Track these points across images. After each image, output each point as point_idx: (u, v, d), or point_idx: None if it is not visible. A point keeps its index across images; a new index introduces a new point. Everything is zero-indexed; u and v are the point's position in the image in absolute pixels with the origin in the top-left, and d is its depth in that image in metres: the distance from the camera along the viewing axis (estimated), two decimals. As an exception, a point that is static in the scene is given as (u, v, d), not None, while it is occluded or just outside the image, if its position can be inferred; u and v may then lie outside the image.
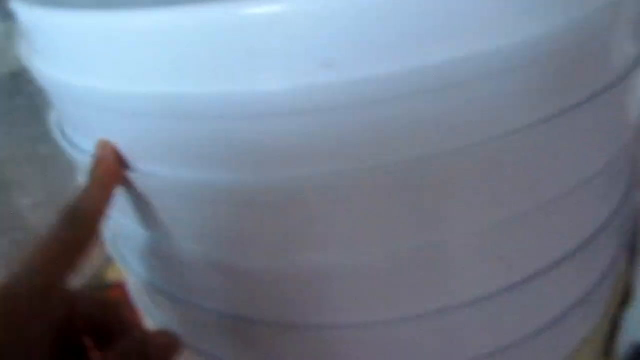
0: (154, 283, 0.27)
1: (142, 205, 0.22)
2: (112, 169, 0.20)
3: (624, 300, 0.34)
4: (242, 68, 0.17)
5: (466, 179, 0.19)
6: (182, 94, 0.18)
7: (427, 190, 0.19)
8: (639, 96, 0.24)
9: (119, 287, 0.46)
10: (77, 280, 0.47)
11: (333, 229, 0.20)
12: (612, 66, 0.21)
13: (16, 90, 0.42)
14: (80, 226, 0.20)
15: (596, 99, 0.20)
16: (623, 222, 0.27)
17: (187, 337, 0.24)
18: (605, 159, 0.23)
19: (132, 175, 0.21)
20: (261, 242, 0.21)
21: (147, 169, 0.21)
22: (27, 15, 0.22)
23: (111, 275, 0.49)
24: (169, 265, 0.25)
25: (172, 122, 0.19)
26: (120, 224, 0.25)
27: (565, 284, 0.25)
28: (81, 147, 0.24)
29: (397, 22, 0.16)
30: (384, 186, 0.19)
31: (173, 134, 0.19)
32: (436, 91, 0.17)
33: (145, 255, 0.26)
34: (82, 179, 0.24)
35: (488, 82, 0.17)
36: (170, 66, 0.17)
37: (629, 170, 0.27)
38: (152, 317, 0.30)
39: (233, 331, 0.25)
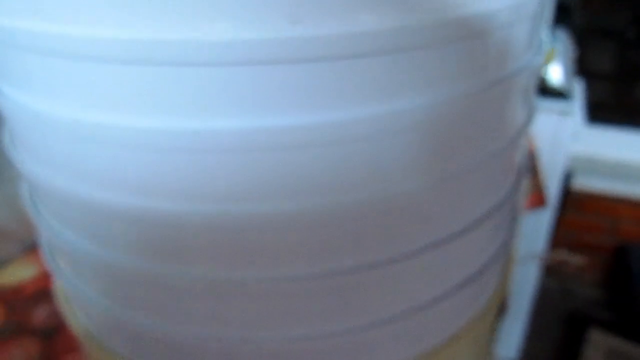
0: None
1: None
2: None
3: (501, 311, 0.36)
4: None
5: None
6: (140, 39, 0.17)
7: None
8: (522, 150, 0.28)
9: (10, 293, 0.43)
10: None
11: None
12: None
13: None
14: None
15: (488, 161, 0.23)
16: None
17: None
18: (490, 206, 0.26)
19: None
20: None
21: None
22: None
23: (3, 279, 0.45)
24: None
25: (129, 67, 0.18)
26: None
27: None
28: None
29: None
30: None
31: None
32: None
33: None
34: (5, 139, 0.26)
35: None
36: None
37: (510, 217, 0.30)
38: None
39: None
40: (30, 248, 0.48)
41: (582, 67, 1.13)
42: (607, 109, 1.22)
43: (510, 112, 0.25)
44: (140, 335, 0.25)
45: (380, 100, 0.19)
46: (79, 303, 0.28)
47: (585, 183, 1.00)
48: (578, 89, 0.95)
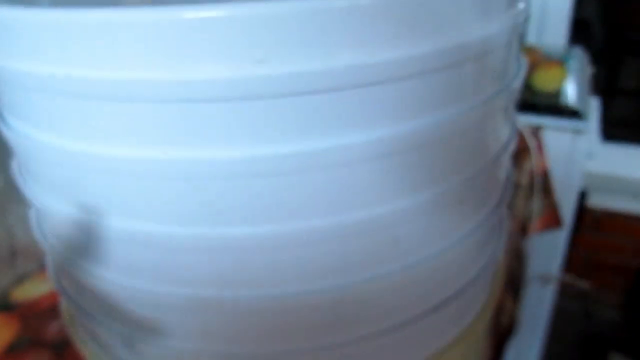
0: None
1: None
2: None
3: (510, 331, 0.37)
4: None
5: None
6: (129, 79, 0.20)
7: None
8: (501, 129, 0.28)
9: (26, 307, 0.46)
10: None
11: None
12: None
13: None
14: None
15: (466, 116, 0.24)
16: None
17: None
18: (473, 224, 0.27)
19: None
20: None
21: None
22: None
23: (17, 296, 0.48)
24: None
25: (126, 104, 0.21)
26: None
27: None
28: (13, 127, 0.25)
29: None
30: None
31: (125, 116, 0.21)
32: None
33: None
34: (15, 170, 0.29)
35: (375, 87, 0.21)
36: (117, 55, 0.20)
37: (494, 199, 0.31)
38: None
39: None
40: (44, 265, 0.51)
41: (605, 84, 1.13)
42: (631, 126, 1.22)
43: (494, 132, 0.27)
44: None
45: (367, 126, 0.21)
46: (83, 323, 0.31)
47: (601, 202, 1.00)
48: (594, 107, 0.96)
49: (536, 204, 0.73)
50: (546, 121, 0.81)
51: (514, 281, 0.44)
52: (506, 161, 0.30)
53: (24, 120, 0.24)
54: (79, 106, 0.21)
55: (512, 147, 0.29)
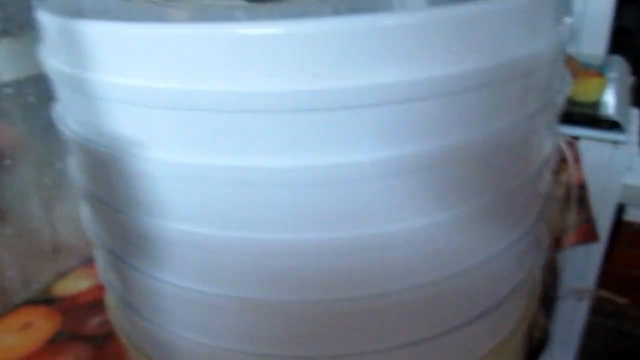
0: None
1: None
2: None
3: (542, 345, 0.38)
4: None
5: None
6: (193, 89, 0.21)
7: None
8: (544, 142, 0.29)
9: (67, 301, 0.48)
10: (25, 294, 0.48)
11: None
12: (522, 107, 0.25)
13: None
14: None
15: (508, 133, 0.25)
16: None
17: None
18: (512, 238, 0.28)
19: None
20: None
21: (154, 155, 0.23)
22: (52, 23, 0.25)
23: (59, 290, 0.50)
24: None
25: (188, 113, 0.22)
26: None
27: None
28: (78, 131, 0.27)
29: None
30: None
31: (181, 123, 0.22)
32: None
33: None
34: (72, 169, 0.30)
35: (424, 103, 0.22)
36: (183, 69, 0.21)
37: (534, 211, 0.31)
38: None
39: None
40: (87, 261, 0.53)
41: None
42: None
43: (536, 146, 0.27)
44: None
45: (414, 140, 0.22)
46: (128, 318, 0.32)
47: (639, 216, 0.98)
48: (634, 118, 0.95)
49: (571, 217, 0.73)
50: (584, 132, 0.80)
51: (546, 295, 0.44)
52: (547, 175, 0.30)
53: (90, 127, 0.25)
54: (144, 113, 0.23)
55: (554, 161, 0.30)
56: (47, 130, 0.48)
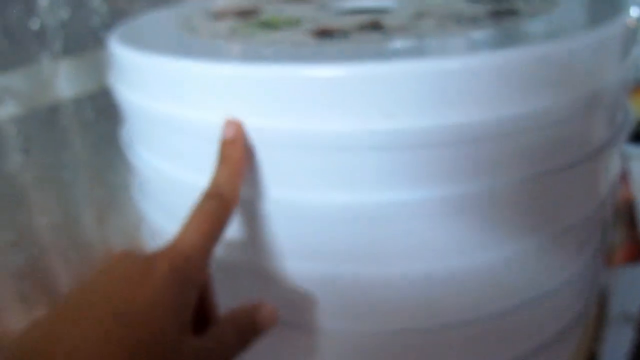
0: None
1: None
2: (243, 149, 0.22)
3: None
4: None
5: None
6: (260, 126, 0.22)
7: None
8: (610, 173, 0.28)
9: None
10: None
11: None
12: (588, 142, 0.25)
13: (53, 122, 0.46)
14: (222, 199, 0.22)
15: (574, 168, 0.25)
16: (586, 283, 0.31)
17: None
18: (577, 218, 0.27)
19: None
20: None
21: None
22: (126, 56, 0.26)
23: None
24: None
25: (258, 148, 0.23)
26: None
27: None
28: (146, 160, 0.28)
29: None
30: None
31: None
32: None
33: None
34: (134, 190, 0.32)
35: (494, 141, 0.22)
36: (251, 104, 0.22)
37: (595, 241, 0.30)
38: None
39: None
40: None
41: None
42: None
43: (603, 176, 0.27)
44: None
45: (488, 175, 0.22)
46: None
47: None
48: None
49: (619, 235, 0.71)
50: (634, 150, 0.79)
51: (595, 317, 0.43)
52: (611, 204, 0.30)
53: (156, 153, 0.26)
54: (209, 147, 0.24)
55: (618, 188, 0.30)
56: (102, 145, 0.50)
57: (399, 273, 0.24)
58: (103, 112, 0.49)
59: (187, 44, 0.27)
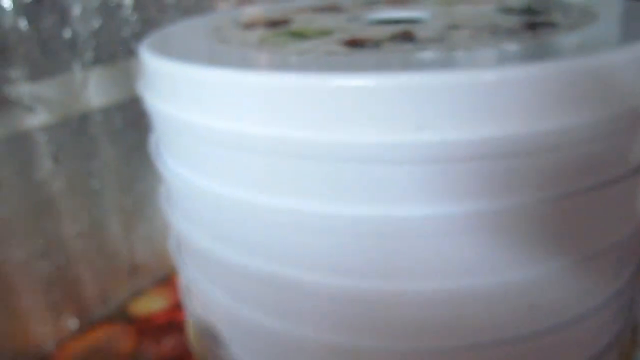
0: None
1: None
2: None
3: None
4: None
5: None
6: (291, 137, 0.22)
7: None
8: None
9: (143, 321, 0.50)
10: (102, 310, 0.50)
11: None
12: (627, 160, 0.24)
13: (81, 131, 0.47)
14: None
15: (611, 187, 0.24)
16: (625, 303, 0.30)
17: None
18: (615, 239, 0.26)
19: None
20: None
21: (257, 199, 0.24)
22: (156, 65, 0.27)
23: (134, 309, 0.52)
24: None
25: (288, 160, 0.23)
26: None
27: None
28: (175, 170, 0.28)
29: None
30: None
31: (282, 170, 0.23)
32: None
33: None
34: (162, 199, 0.32)
35: (527, 157, 0.21)
36: (281, 114, 0.22)
37: (633, 264, 0.30)
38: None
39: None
40: (162, 282, 0.55)
41: None
42: None
43: None
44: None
45: (519, 192, 0.22)
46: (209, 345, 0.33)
47: None
48: None
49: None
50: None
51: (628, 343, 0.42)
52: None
53: (187, 164, 0.27)
54: (239, 157, 0.24)
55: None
56: (131, 153, 0.50)
57: (423, 290, 0.23)
58: (132, 122, 0.49)
59: (217, 53, 0.27)
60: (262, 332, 0.27)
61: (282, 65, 0.24)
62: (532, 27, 0.27)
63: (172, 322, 0.49)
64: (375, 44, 0.26)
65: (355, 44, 0.27)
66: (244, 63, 0.25)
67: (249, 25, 0.34)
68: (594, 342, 0.28)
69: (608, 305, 0.27)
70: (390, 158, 0.21)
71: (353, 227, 0.23)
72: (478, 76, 0.20)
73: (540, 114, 0.21)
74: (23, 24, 0.41)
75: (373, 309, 0.24)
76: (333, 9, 0.38)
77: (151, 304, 0.52)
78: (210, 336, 0.31)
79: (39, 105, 0.43)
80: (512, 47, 0.24)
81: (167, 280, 0.55)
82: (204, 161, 0.25)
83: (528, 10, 0.32)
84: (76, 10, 0.44)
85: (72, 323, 0.49)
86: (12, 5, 0.40)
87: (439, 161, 0.21)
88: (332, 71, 0.22)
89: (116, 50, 0.47)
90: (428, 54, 0.23)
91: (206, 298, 0.30)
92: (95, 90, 0.47)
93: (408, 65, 0.22)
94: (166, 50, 0.28)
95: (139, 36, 0.49)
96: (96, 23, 0.46)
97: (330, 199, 0.22)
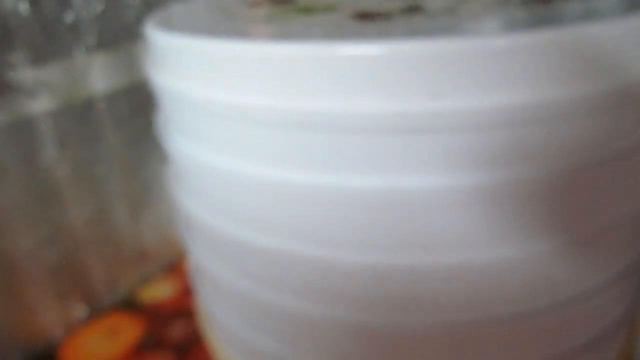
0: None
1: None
2: None
3: None
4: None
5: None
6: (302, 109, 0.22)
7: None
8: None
9: (151, 308, 0.50)
10: (110, 298, 0.50)
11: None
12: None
13: (85, 117, 0.47)
14: None
15: (623, 160, 0.24)
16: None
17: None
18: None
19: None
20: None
21: (268, 173, 0.24)
22: (162, 40, 0.27)
23: (143, 296, 0.52)
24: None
25: (299, 132, 0.22)
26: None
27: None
28: (182, 147, 0.28)
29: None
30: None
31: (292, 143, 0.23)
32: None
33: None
34: (169, 179, 0.32)
35: (544, 125, 0.21)
36: (293, 86, 0.21)
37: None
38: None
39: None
40: (170, 268, 0.55)
41: None
42: None
43: None
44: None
45: (535, 162, 0.22)
46: (222, 329, 0.33)
47: None
48: None
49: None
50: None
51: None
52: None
53: (196, 141, 0.26)
54: (249, 131, 0.23)
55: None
56: (136, 139, 0.50)
57: (432, 263, 0.23)
58: (137, 107, 0.49)
59: (223, 27, 0.27)
60: (274, 311, 0.27)
61: (291, 36, 0.24)
62: (545, -4, 0.27)
63: (181, 308, 0.50)
64: (385, 16, 0.26)
65: (364, 17, 0.27)
66: (252, 35, 0.25)
67: (256, 4, 0.34)
68: (603, 318, 0.28)
69: (617, 281, 0.27)
70: (406, 127, 0.21)
71: (362, 198, 0.22)
72: (493, 42, 0.20)
73: (558, 81, 0.20)
74: (24, 7, 0.40)
75: (384, 283, 0.24)
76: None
77: (160, 291, 0.52)
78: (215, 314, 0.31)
79: (41, 91, 0.43)
80: (523, 15, 0.23)
81: (175, 266, 0.55)
82: (212, 136, 0.25)
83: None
84: (78, -6, 0.44)
85: (81, 311, 0.49)
86: (13, -12, 0.40)
87: (456, 130, 0.21)
88: (342, 40, 0.21)
89: (119, 35, 0.47)
90: (441, 24, 0.23)
91: (216, 277, 0.30)
92: (99, 75, 0.46)
93: (421, 34, 0.22)
94: (172, 26, 0.27)
95: (142, 20, 0.48)
96: (99, 7, 0.45)
97: (341, 171, 0.22)
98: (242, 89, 0.23)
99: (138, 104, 0.49)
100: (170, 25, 0.28)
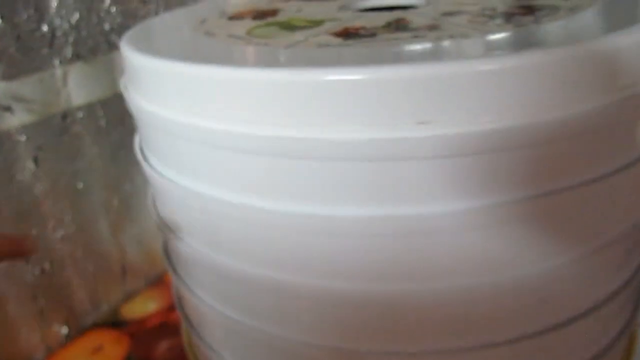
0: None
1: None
2: None
3: None
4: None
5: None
6: (287, 136, 0.21)
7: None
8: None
9: (135, 325, 0.49)
10: (94, 315, 0.49)
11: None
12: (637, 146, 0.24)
13: (64, 129, 0.46)
14: None
15: (622, 172, 0.23)
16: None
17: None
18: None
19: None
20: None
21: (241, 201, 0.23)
22: (138, 62, 0.26)
23: (127, 312, 0.52)
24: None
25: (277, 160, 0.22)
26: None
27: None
28: (158, 169, 0.28)
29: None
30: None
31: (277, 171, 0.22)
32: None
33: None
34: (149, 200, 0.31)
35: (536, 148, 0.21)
36: (278, 113, 0.21)
37: None
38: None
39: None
40: (154, 282, 0.54)
41: None
42: None
43: None
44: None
45: (529, 186, 0.21)
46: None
47: None
48: None
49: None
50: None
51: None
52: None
53: (171, 166, 0.26)
54: (224, 157, 0.23)
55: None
56: (116, 153, 0.49)
57: (431, 290, 0.23)
58: (116, 119, 0.48)
59: (201, 48, 0.26)
60: (258, 338, 0.27)
61: (272, 61, 0.23)
62: (534, 10, 0.27)
63: (165, 324, 0.49)
64: (369, 33, 0.26)
65: (347, 34, 0.26)
66: (231, 59, 0.24)
67: (236, 16, 0.33)
68: (606, 332, 0.28)
69: (618, 294, 0.27)
70: (391, 154, 0.20)
71: (360, 228, 0.22)
72: (481, 65, 0.19)
73: (548, 103, 0.20)
74: (-4, 20, 0.39)
75: (381, 311, 0.23)
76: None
77: (144, 307, 0.51)
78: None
79: (17, 105, 0.42)
80: (514, 33, 0.23)
81: (160, 280, 0.54)
82: (190, 162, 0.24)
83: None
84: (53, 3, 0.43)
85: (62, 329, 0.48)
86: (-16, 0, 0.38)
87: (442, 156, 0.20)
88: (325, 66, 0.21)
89: (97, 45, 0.46)
90: (426, 44, 0.23)
91: (197, 304, 0.29)
92: (76, 86, 0.45)
93: (405, 57, 0.21)
94: (149, 46, 0.27)
95: (120, 29, 0.47)
96: (75, 16, 0.44)
97: (329, 201, 0.22)
98: (221, 115, 0.22)
99: (117, 115, 0.48)
100: (146, 44, 0.27)
